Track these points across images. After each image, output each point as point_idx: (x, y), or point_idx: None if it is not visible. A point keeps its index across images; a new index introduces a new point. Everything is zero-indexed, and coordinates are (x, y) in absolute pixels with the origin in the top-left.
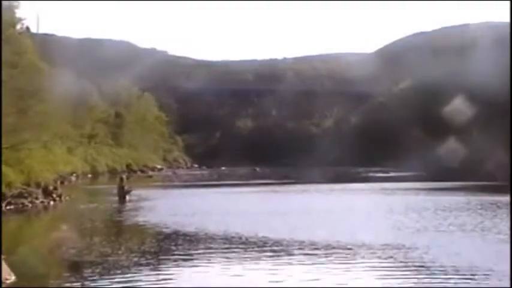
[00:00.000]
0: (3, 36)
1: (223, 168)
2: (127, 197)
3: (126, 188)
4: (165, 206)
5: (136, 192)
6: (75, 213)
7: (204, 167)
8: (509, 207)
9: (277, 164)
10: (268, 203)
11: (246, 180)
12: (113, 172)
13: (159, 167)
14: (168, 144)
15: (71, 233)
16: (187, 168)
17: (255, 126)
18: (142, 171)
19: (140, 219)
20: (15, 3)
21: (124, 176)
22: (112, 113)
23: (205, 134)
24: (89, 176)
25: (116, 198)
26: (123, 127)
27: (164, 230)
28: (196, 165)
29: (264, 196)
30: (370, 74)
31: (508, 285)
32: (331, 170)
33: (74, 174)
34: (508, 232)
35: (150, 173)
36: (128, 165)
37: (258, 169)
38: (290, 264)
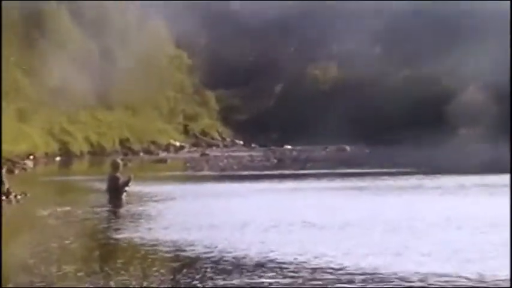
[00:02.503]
0: None
1: (287, 147)
2: (123, 196)
3: (121, 180)
4: (185, 213)
5: (137, 189)
6: (33, 222)
7: (255, 145)
8: None
9: (381, 139)
10: (348, 209)
11: (327, 169)
12: (96, 152)
13: (177, 144)
14: (193, 106)
15: None
16: (226, 146)
17: (342, 75)
18: (148, 152)
19: (143, 234)
20: None
21: (120, 161)
22: (94, 49)
23: (256, 88)
24: (57, 159)
25: (104, 197)
26: (111, 74)
27: (182, 252)
28: (240, 142)
29: (349, 197)
30: None
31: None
32: (483, 152)
33: (31, 157)
34: None
35: (162, 154)
36: (123, 142)
37: (348, 148)
38: None
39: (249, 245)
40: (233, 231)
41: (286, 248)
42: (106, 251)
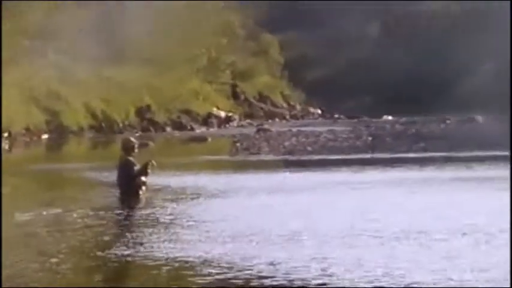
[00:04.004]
0: None
1: (387, 117)
2: (141, 191)
3: (137, 168)
4: (213, 217)
5: (158, 182)
6: (8, 232)
7: (339, 116)
8: None
9: None
10: (459, 211)
11: (446, 150)
12: (102, 128)
13: (222, 114)
14: (245, 58)
15: None
16: (295, 117)
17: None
18: (178, 127)
19: (167, 246)
20: None
21: (134, 140)
22: None
23: (339, 31)
24: (44, 137)
25: (113, 191)
26: (125, 12)
27: (196, 276)
28: (317, 111)
29: (464, 192)
30: None
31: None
32: None
33: (6, 135)
34: None
35: (200, 130)
36: (141, 111)
37: (480, 119)
38: None
39: (297, 264)
40: (275, 245)
41: (354, 270)
42: (118, 271)
